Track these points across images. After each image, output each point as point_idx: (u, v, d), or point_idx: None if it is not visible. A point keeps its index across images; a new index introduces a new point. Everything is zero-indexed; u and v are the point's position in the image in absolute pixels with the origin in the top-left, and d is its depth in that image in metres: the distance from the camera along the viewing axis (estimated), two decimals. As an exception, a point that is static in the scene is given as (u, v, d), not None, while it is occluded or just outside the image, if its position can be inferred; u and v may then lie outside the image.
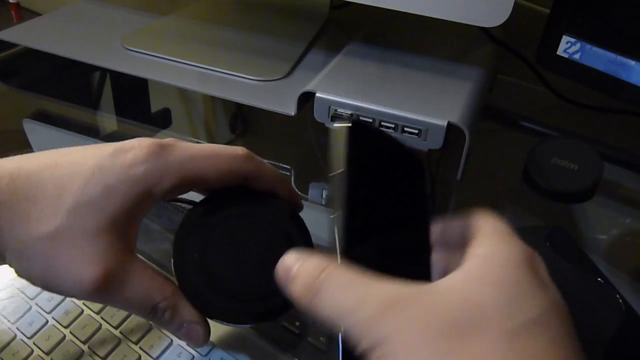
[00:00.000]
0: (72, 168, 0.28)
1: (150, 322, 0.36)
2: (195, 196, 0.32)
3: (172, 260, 0.30)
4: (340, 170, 0.26)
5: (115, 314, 0.37)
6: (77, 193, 0.27)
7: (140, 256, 0.30)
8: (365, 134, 0.29)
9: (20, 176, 0.28)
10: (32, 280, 0.28)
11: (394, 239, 0.28)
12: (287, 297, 0.26)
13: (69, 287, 0.28)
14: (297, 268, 0.25)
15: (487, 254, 0.24)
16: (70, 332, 0.36)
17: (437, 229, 0.29)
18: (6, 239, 0.27)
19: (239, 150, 0.31)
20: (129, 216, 0.28)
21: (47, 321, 0.36)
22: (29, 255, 0.27)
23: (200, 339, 0.30)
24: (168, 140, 0.30)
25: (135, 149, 0.28)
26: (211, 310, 0.30)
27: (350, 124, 0.27)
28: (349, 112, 0.47)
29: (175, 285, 0.30)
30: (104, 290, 0.27)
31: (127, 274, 0.28)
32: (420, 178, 0.31)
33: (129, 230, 0.29)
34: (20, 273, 0.28)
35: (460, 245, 0.26)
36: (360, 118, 0.47)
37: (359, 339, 0.22)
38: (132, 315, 0.37)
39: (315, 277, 0.24)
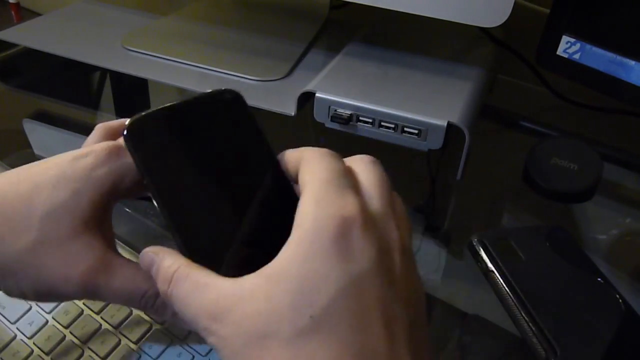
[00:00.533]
0: (36, 180, 0.29)
1: (147, 314, 0.36)
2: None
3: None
4: (144, 181, 0.27)
5: (115, 314, 0.37)
6: (46, 202, 0.28)
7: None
8: (150, 124, 0.27)
9: None
10: (24, 293, 0.29)
11: (248, 202, 0.27)
12: None
13: (60, 290, 0.28)
14: (155, 267, 0.26)
15: (296, 239, 0.23)
16: (70, 332, 0.36)
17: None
18: None
19: None
20: (99, 215, 0.29)
21: (47, 321, 0.36)
22: (14, 270, 0.28)
23: None
24: (113, 144, 0.30)
25: (94, 153, 0.29)
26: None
27: (125, 132, 0.27)
28: (349, 112, 0.47)
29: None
30: (93, 286, 0.28)
31: (112, 268, 0.29)
32: (242, 115, 0.28)
33: (103, 227, 0.29)
34: (9, 290, 0.29)
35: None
36: (360, 118, 0.47)
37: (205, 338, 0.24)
38: (132, 315, 0.37)
39: (169, 280, 0.25)
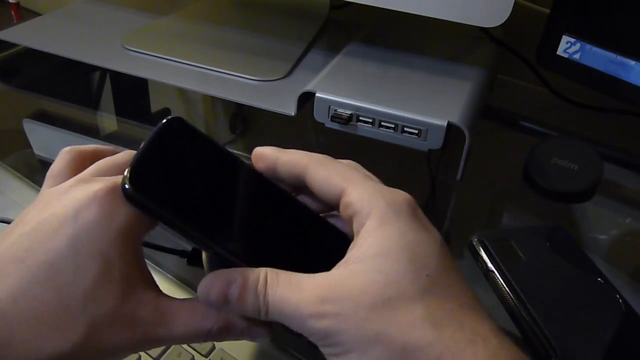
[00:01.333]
0: (50, 260, 0.24)
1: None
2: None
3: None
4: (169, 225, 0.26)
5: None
6: (79, 286, 0.24)
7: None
8: (142, 174, 0.25)
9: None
10: None
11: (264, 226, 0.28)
12: None
13: (123, 355, 0.26)
14: (238, 286, 0.25)
15: (375, 226, 0.25)
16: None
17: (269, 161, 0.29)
18: None
19: None
20: (134, 264, 0.26)
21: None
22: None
23: (265, 334, 0.28)
24: (117, 180, 0.26)
25: (96, 199, 0.25)
26: None
27: (127, 189, 0.25)
28: (349, 112, 0.47)
29: None
30: (155, 341, 0.26)
31: (168, 317, 0.26)
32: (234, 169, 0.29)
33: (141, 273, 0.27)
34: None
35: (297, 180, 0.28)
36: (360, 118, 0.47)
37: (307, 334, 0.24)
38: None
39: (261, 291, 0.24)
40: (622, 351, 0.34)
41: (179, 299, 0.27)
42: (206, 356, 0.35)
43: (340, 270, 0.25)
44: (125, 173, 0.25)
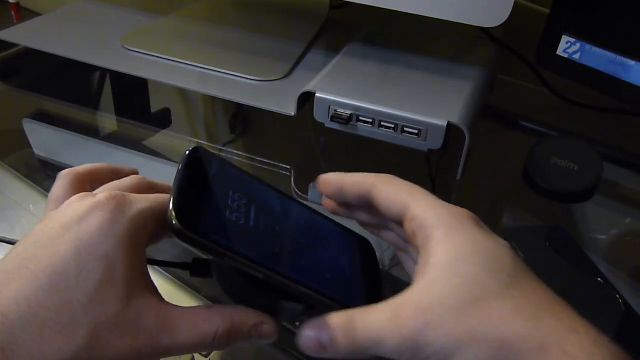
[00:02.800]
0: (53, 268, 0.24)
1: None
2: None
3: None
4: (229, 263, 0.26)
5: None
6: (80, 289, 0.24)
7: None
8: (185, 207, 0.25)
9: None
10: None
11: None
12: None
13: None
14: (328, 335, 0.25)
15: (444, 236, 0.26)
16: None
17: (334, 184, 0.31)
18: None
19: None
20: (137, 271, 0.26)
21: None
22: None
23: (274, 334, 0.28)
24: (121, 192, 0.27)
25: (99, 206, 0.25)
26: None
27: (175, 225, 0.24)
28: (349, 112, 0.47)
29: (219, 306, 0.28)
30: (160, 350, 0.26)
31: (172, 324, 0.26)
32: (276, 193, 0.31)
33: (144, 281, 0.27)
34: None
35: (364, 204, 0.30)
36: (360, 118, 0.47)
37: (401, 357, 0.24)
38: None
39: (351, 332, 0.25)
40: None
41: (182, 307, 0.27)
42: (206, 356, 0.35)
43: (420, 284, 0.25)
44: (170, 210, 0.24)
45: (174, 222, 0.24)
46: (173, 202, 0.25)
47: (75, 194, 0.28)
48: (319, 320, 0.26)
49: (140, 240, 0.26)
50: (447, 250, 0.25)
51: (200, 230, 0.25)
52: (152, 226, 0.27)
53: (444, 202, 0.28)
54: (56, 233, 0.25)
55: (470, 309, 0.23)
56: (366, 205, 0.30)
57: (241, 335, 0.27)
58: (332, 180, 0.31)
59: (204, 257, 0.28)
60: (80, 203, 0.26)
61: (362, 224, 0.32)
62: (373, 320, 0.25)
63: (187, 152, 0.28)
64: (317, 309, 0.27)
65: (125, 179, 0.30)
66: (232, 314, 0.27)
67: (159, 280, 0.39)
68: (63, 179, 0.30)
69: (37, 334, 0.23)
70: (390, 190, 0.28)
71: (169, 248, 0.40)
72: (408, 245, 0.31)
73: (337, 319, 0.26)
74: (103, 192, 0.26)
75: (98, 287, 0.24)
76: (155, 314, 0.26)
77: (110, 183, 0.30)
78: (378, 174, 0.30)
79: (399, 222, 0.28)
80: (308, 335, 0.26)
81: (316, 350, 0.26)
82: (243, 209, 0.28)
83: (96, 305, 0.24)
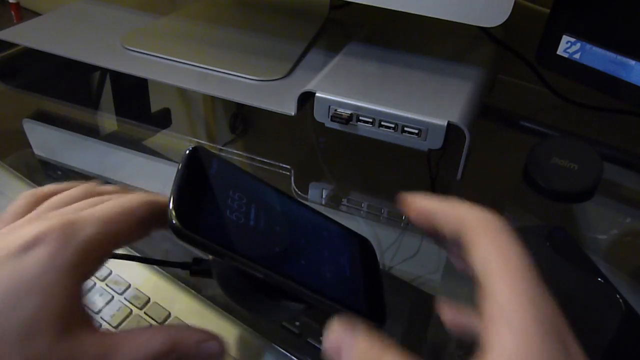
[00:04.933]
0: None
1: None
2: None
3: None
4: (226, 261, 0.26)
5: (115, 314, 0.37)
6: (12, 323, 0.23)
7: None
8: (184, 205, 0.25)
9: None
10: None
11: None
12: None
13: None
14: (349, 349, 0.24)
15: (515, 339, 0.22)
16: (70, 332, 0.36)
17: (423, 208, 0.28)
18: None
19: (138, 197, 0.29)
20: (77, 305, 0.25)
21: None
22: None
23: (219, 352, 0.28)
24: (67, 217, 0.26)
25: (45, 238, 0.24)
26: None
27: (175, 224, 0.24)
28: (349, 112, 0.47)
29: (162, 325, 0.28)
30: None
31: (111, 349, 0.25)
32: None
33: (84, 315, 0.26)
34: None
35: (453, 242, 0.26)
36: (360, 118, 0.47)
37: None
38: (132, 315, 0.37)
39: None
40: (622, 351, 0.34)
41: (122, 331, 0.26)
42: None
43: None
44: (169, 210, 0.24)
45: (173, 221, 0.24)
46: (172, 201, 0.25)
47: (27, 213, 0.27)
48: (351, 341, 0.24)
49: (84, 270, 0.25)
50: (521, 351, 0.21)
51: (199, 229, 0.25)
52: (100, 251, 0.26)
53: (532, 286, 0.23)
54: (5, 267, 0.24)
55: None
56: (454, 241, 0.27)
57: (186, 351, 0.27)
58: (423, 206, 0.28)
59: (204, 256, 0.28)
60: (25, 230, 0.25)
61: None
62: None
63: (187, 152, 0.28)
64: (317, 308, 0.28)
65: (74, 188, 0.29)
66: (174, 331, 0.27)
67: (159, 280, 0.39)
68: (22, 199, 0.29)
69: None
70: (482, 249, 0.25)
71: (170, 248, 0.40)
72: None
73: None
74: (50, 218, 0.25)
75: (32, 318, 0.23)
76: (93, 343, 0.25)
77: (57, 196, 0.29)
78: (478, 212, 0.26)
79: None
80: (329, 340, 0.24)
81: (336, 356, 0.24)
82: (243, 208, 0.28)
83: (29, 338, 0.23)
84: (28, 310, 0.23)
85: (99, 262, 0.26)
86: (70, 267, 0.24)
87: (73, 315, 0.25)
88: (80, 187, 0.30)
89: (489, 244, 0.24)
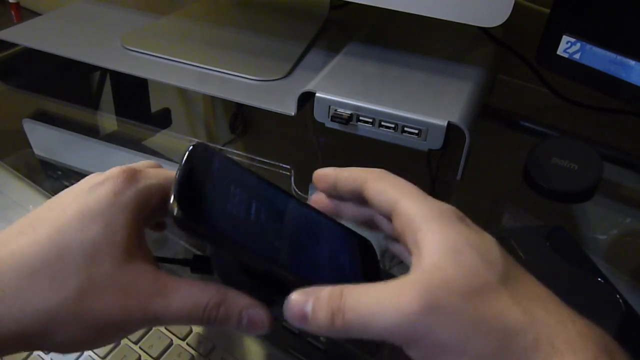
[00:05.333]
0: (57, 224, 0.26)
1: (211, 327, 0.33)
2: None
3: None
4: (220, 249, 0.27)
5: (115, 314, 0.37)
6: (78, 243, 0.26)
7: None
8: (187, 198, 0.26)
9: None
10: (77, 343, 0.27)
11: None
12: None
13: (117, 327, 0.27)
14: (312, 304, 0.25)
15: (435, 230, 0.26)
16: (70, 332, 0.36)
17: (328, 179, 0.31)
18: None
19: None
20: (136, 241, 0.27)
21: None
22: (63, 322, 0.26)
23: (265, 323, 0.29)
24: (132, 166, 0.30)
25: (111, 179, 0.28)
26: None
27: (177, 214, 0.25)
28: (349, 112, 0.47)
29: (218, 283, 0.29)
30: (152, 312, 0.27)
31: (167, 288, 0.27)
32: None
33: (143, 252, 0.28)
34: (58, 346, 0.26)
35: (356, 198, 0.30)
36: (360, 118, 0.47)
37: (393, 338, 0.24)
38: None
39: (337, 304, 0.25)
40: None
41: (179, 277, 0.28)
42: (206, 356, 0.35)
43: (421, 270, 0.25)
44: (172, 201, 0.25)
45: (175, 212, 0.25)
46: (174, 193, 0.25)
47: None
48: (310, 289, 0.26)
49: (144, 211, 0.28)
50: (441, 243, 0.25)
51: (200, 219, 0.25)
52: (157, 200, 0.29)
53: (431, 198, 0.28)
54: (66, 200, 0.28)
55: (473, 299, 0.23)
56: (358, 200, 0.30)
57: (231, 313, 0.28)
58: (328, 174, 0.31)
59: (204, 253, 0.28)
60: (94, 177, 0.28)
61: (351, 219, 0.32)
62: (367, 296, 0.24)
63: (190, 148, 0.28)
64: None
65: (138, 162, 0.32)
66: (226, 290, 0.28)
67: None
68: None
69: (26, 283, 0.25)
70: (381, 186, 0.29)
71: (170, 245, 0.40)
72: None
73: (327, 291, 0.25)
74: (115, 169, 0.29)
75: (95, 246, 0.26)
76: (150, 278, 0.27)
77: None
78: (371, 169, 0.30)
79: (389, 218, 0.29)
80: (294, 300, 0.26)
81: (298, 320, 0.25)
82: (244, 204, 0.28)
83: (91, 263, 0.26)
84: (91, 235, 0.26)
85: (159, 211, 0.29)
86: (131, 205, 0.27)
87: (133, 248, 0.27)
88: (145, 162, 0.33)
89: (384, 183, 0.29)
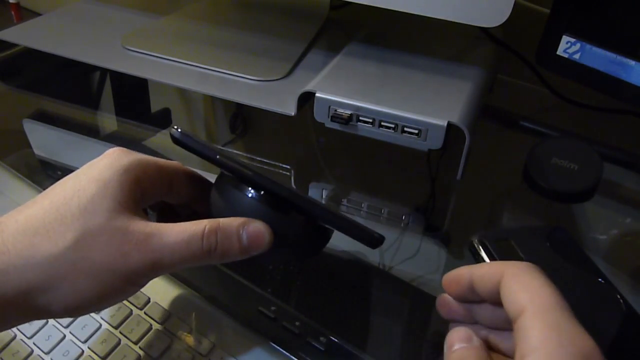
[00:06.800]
0: (58, 191, 0.30)
1: (215, 259, 0.33)
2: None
3: None
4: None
5: (115, 313, 0.37)
6: (77, 200, 0.29)
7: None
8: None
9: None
10: (76, 302, 0.28)
11: None
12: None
13: (118, 273, 0.28)
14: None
15: None
16: (70, 332, 0.36)
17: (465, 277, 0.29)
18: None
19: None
20: (133, 200, 0.30)
21: (47, 321, 0.36)
22: (60, 275, 0.28)
23: (266, 235, 0.30)
24: (128, 149, 0.33)
25: (108, 154, 0.31)
26: None
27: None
28: (349, 112, 0.47)
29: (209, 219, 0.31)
30: (151, 252, 0.28)
31: (163, 228, 0.29)
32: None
33: (139, 208, 0.30)
34: (52, 305, 0.28)
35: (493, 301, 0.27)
36: (360, 118, 0.47)
37: None
38: (132, 315, 0.37)
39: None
40: (622, 351, 0.34)
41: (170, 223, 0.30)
42: (206, 356, 0.35)
43: None
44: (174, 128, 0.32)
45: (174, 131, 0.31)
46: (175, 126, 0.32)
47: None
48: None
49: (140, 177, 0.31)
50: None
51: (194, 138, 0.31)
52: (153, 171, 0.32)
53: (563, 327, 0.24)
54: (66, 180, 0.30)
55: None
56: (497, 302, 0.27)
57: (230, 233, 0.30)
58: (462, 274, 0.28)
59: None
60: (97, 159, 0.31)
61: (489, 325, 0.29)
62: None
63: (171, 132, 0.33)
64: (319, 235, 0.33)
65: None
66: (217, 219, 0.30)
67: (159, 280, 0.39)
68: None
69: (28, 242, 0.27)
70: (514, 286, 0.25)
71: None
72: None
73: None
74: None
75: (90, 200, 0.28)
76: (143, 225, 0.29)
77: None
78: (511, 263, 0.26)
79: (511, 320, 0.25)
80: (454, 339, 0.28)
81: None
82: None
83: (86, 214, 0.28)
84: (86, 193, 0.29)
85: (157, 188, 0.32)
86: (126, 169, 0.30)
87: (127, 203, 0.29)
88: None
89: (518, 284, 0.25)
